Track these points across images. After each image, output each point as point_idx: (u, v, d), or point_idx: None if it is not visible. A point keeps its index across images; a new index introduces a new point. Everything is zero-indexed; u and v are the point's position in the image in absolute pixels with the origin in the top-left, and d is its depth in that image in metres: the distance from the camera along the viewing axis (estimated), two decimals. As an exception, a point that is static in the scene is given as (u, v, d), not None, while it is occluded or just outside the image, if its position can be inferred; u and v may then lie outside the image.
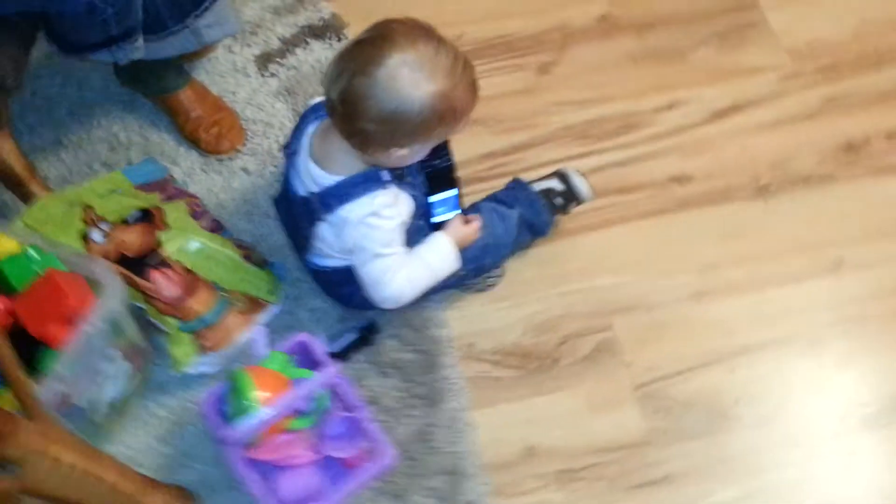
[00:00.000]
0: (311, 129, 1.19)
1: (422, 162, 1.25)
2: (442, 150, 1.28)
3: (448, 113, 1.07)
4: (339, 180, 1.15)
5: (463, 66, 1.07)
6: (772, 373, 1.36)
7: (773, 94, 1.64)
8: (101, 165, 1.55)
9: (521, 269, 1.45)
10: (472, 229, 1.27)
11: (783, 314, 1.41)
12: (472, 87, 1.10)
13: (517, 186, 1.40)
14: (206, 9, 1.40)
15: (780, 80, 1.66)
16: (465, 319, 1.42)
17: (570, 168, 1.42)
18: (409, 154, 1.12)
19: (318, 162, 1.17)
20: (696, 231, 1.49)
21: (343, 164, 1.15)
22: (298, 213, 1.22)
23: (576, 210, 1.46)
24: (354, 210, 1.15)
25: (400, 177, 1.19)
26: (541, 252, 1.46)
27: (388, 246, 1.18)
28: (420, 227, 1.29)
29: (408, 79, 1.03)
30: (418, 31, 1.06)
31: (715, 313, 1.41)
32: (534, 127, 1.61)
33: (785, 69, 1.67)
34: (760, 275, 1.44)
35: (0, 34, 1.17)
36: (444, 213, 1.28)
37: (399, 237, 1.20)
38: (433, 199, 1.29)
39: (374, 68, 1.03)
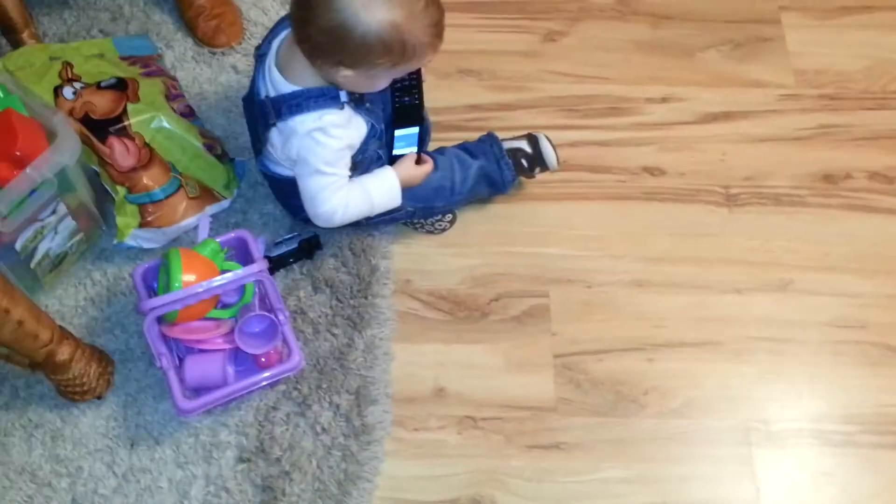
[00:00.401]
0: (282, 34, 1.20)
1: (392, 96, 1.27)
2: (414, 89, 1.29)
3: (396, 46, 1.05)
4: (295, 90, 1.16)
5: (425, 5, 1.05)
6: (688, 372, 1.37)
7: (768, 110, 1.64)
8: (99, 32, 1.58)
9: (474, 221, 1.47)
10: (422, 171, 1.29)
11: (715, 320, 1.42)
12: (432, 29, 1.07)
13: (488, 139, 1.42)
14: None
15: (780, 98, 1.65)
16: (408, 256, 1.44)
17: (543, 134, 1.43)
18: (356, 78, 1.11)
19: (280, 69, 1.18)
20: (654, 223, 1.50)
21: (302, 75, 1.16)
22: (256, 115, 1.24)
23: (541, 177, 1.47)
24: (303, 122, 1.16)
25: (358, 101, 1.20)
26: (498, 209, 1.48)
27: (330, 165, 1.19)
28: (379, 157, 1.31)
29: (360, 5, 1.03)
30: None
31: (649, 304, 1.42)
32: (525, 90, 1.62)
33: (787, 89, 1.66)
34: (705, 278, 1.45)
35: None
36: (402, 147, 1.30)
37: (343, 159, 1.21)
38: (397, 133, 1.30)
39: None
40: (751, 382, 1.37)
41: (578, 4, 1.73)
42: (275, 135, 1.21)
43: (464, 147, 1.41)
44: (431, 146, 1.46)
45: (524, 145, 1.41)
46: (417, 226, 1.43)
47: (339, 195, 1.21)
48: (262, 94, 1.21)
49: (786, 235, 1.50)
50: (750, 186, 1.55)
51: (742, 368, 1.38)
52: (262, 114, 1.21)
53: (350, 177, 1.27)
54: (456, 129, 1.54)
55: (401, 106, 1.29)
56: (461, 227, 1.47)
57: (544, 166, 1.41)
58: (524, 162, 1.41)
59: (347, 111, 1.18)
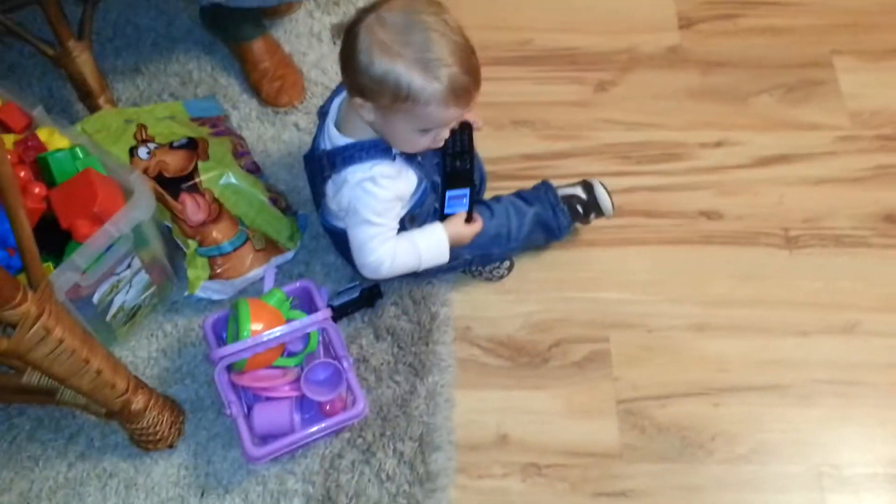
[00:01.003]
0: (342, 94, 1.25)
1: (443, 161, 1.32)
2: (466, 155, 1.34)
3: (399, 95, 1.08)
4: (349, 142, 1.21)
5: (441, 58, 1.08)
6: (755, 416, 1.35)
7: (825, 152, 1.63)
8: (169, 96, 1.66)
9: (531, 268, 1.49)
10: (471, 230, 1.32)
11: (780, 363, 1.40)
12: (449, 94, 1.09)
13: (542, 187, 1.44)
14: (288, -33, 1.49)
15: (836, 140, 1.65)
16: (467, 303, 1.46)
17: (598, 180, 1.45)
18: (376, 118, 1.15)
19: (337, 124, 1.24)
20: (714, 266, 1.50)
21: (356, 128, 1.21)
22: (315, 170, 1.29)
23: (597, 223, 1.49)
24: (355, 172, 1.20)
25: (410, 154, 1.24)
26: (555, 256, 1.50)
27: (378, 215, 1.22)
28: (436, 210, 1.34)
29: (375, 40, 1.08)
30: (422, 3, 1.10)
31: (712, 348, 1.41)
32: (578, 138, 1.65)
33: (843, 131, 1.66)
34: (768, 321, 1.44)
35: (93, -50, 1.27)
36: (454, 207, 1.33)
37: (392, 210, 1.24)
38: (449, 193, 1.33)
39: (367, 15, 1.10)
40: (820, 426, 1.34)
41: (628, 55, 1.76)
42: (330, 187, 1.26)
43: (519, 195, 1.44)
44: (487, 194, 1.49)
45: (579, 191, 1.43)
46: (476, 273, 1.45)
47: (386, 246, 1.25)
48: (321, 149, 1.26)
49: (849, 276, 1.49)
50: (810, 228, 1.54)
51: (810, 412, 1.35)
52: (320, 167, 1.26)
53: (406, 229, 1.30)
54: (511, 178, 1.57)
55: (452, 171, 1.33)
56: (519, 274, 1.48)
57: (600, 212, 1.43)
58: (579, 208, 1.43)
59: (398, 163, 1.22)
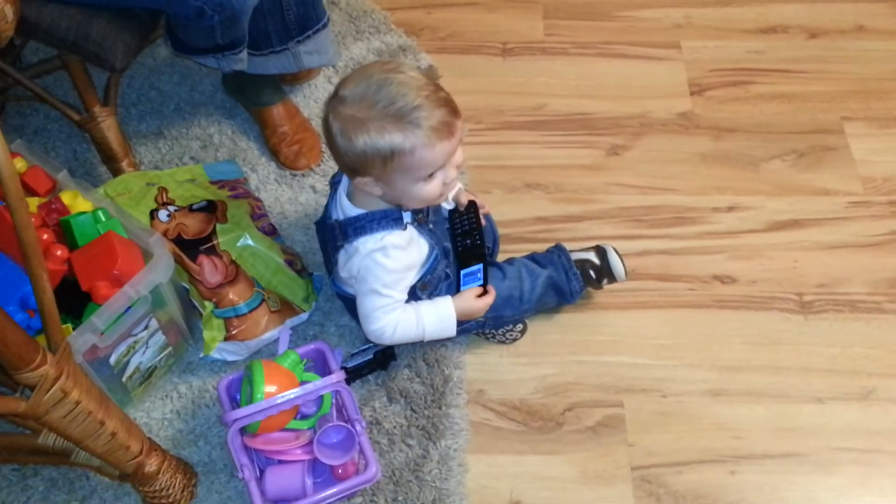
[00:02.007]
0: None
1: (454, 240, 1.35)
2: (475, 231, 1.36)
3: (386, 157, 1.11)
4: (360, 213, 1.23)
5: (417, 119, 1.10)
6: (772, 485, 1.33)
7: (837, 217, 1.64)
8: (190, 159, 1.70)
9: (545, 331, 1.49)
10: (483, 304, 1.32)
11: (797, 430, 1.38)
12: (431, 134, 1.10)
13: (556, 250, 1.45)
14: (309, 37, 1.55)
15: (849, 206, 1.66)
16: (481, 366, 1.46)
17: (611, 245, 1.46)
18: (382, 188, 1.17)
19: (348, 195, 1.26)
20: (729, 331, 1.50)
21: (367, 200, 1.23)
22: (327, 238, 1.31)
23: (611, 288, 1.49)
24: (365, 243, 1.22)
25: (423, 220, 1.25)
26: (568, 318, 1.50)
27: (386, 287, 1.24)
28: (447, 275, 1.36)
29: (343, 119, 1.12)
30: (374, 67, 1.14)
31: (728, 414, 1.40)
32: (591, 202, 1.67)
33: (856, 196, 1.67)
34: (784, 387, 1.43)
35: (122, 22, 1.32)
36: (469, 283, 1.34)
37: (401, 282, 1.25)
38: (463, 271, 1.36)
39: (331, 102, 1.15)
40: (838, 495, 1.32)
41: (640, 120, 1.79)
42: (342, 256, 1.27)
43: (532, 257, 1.45)
44: (500, 257, 1.50)
45: (592, 257, 1.44)
46: (489, 336, 1.46)
47: (391, 316, 1.26)
48: (333, 218, 1.28)
49: (865, 342, 1.48)
50: (824, 293, 1.54)
51: (828, 480, 1.34)
52: (332, 237, 1.28)
53: (419, 297, 1.32)
54: (524, 240, 1.59)
55: (464, 249, 1.36)
56: (532, 337, 1.48)
57: (612, 278, 1.44)
58: (592, 273, 1.43)
59: (409, 232, 1.24)
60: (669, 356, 1.47)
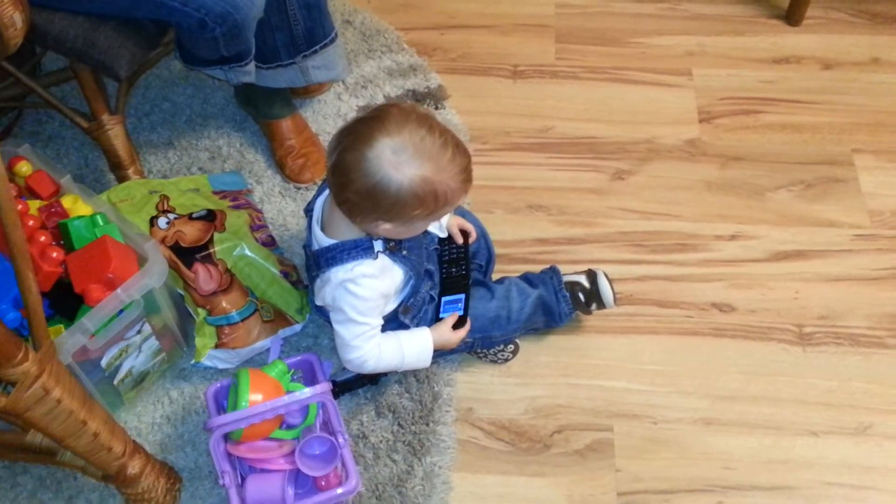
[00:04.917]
0: (324, 194, 1.26)
1: (440, 267, 1.36)
2: (461, 261, 1.37)
3: (429, 196, 1.10)
4: (332, 243, 1.22)
5: (452, 156, 1.10)
6: (760, 518, 1.31)
7: (842, 250, 1.62)
8: (198, 169, 1.72)
9: (538, 352, 1.48)
10: (457, 337, 1.33)
11: (789, 463, 1.36)
12: (461, 176, 1.12)
13: (550, 271, 1.45)
14: (317, 52, 1.57)
15: (854, 238, 1.64)
16: (471, 384, 1.45)
17: (602, 271, 1.45)
18: (394, 229, 1.16)
19: (322, 224, 1.26)
20: (724, 360, 1.48)
21: (339, 229, 1.22)
22: (309, 265, 1.33)
23: (608, 312, 1.48)
24: (337, 273, 1.21)
25: (395, 249, 1.25)
26: (562, 341, 1.49)
27: (361, 314, 1.23)
28: (432, 298, 1.36)
29: (390, 160, 1.08)
30: (411, 117, 1.10)
31: (718, 444, 1.38)
32: (593, 225, 1.66)
33: (862, 230, 1.65)
34: (778, 419, 1.41)
35: (128, 31, 1.35)
36: (449, 311, 1.35)
37: (376, 310, 1.25)
38: (445, 298, 1.36)
39: (362, 145, 1.08)
40: (827, 532, 1.29)
41: (647, 146, 1.78)
42: (317, 284, 1.28)
43: (525, 277, 1.45)
44: (495, 276, 1.50)
45: (583, 280, 1.43)
46: (481, 355, 1.46)
47: (370, 344, 1.26)
48: (311, 247, 1.28)
49: (864, 377, 1.45)
50: (825, 326, 1.52)
51: (817, 517, 1.31)
52: (309, 265, 1.30)
53: (402, 321, 1.32)
54: (523, 261, 1.59)
55: (448, 277, 1.36)
56: (525, 357, 1.48)
57: (601, 303, 1.43)
58: (581, 296, 1.43)
59: (381, 261, 1.23)
60: (663, 383, 1.45)
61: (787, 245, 1.63)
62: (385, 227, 1.16)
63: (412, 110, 1.12)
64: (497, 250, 1.53)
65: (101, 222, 1.30)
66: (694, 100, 1.86)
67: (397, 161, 1.09)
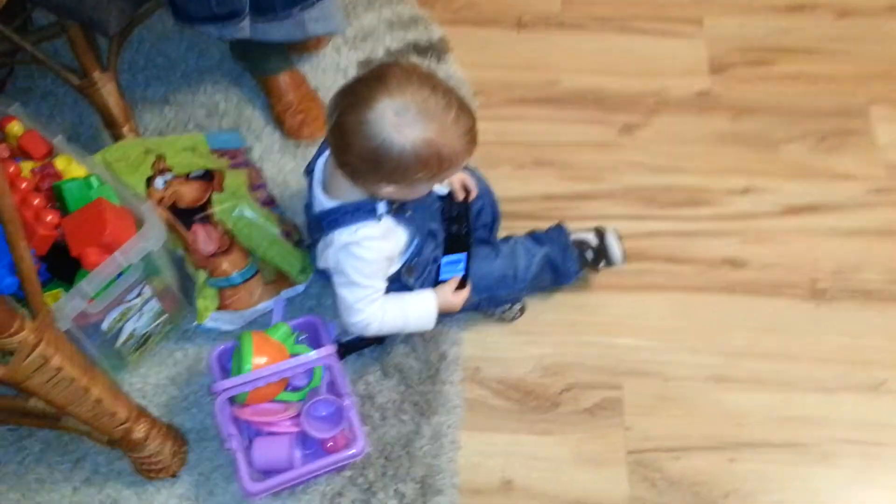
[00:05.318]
0: (325, 154, 1.23)
1: (442, 225, 1.32)
2: (463, 219, 1.34)
3: (433, 159, 1.07)
4: (334, 205, 1.19)
5: (456, 116, 1.07)
6: (772, 475, 1.29)
7: (857, 203, 1.58)
8: (195, 126, 1.68)
9: (546, 310, 1.46)
10: (459, 299, 1.30)
11: (802, 420, 1.34)
12: (465, 137, 1.09)
13: (557, 229, 1.42)
14: (314, 4, 1.51)
15: (869, 191, 1.60)
16: (479, 343, 1.43)
17: (611, 228, 1.41)
18: (398, 191, 1.13)
19: (323, 186, 1.22)
20: (736, 317, 1.45)
21: (341, 190, 1.19)
22: (311, 227, 1.30)
23: (617, 269, 1.45)
24: (340, 235, 1.18)
25: (399, 210, 1.22)
26: (570, 298, 1.46)
27: (366, 277, 1.20)
28: (435, 259, 1.33)
29: (391, 122, 1.04)
30: (413, 77, 1.06)
31: (730, 401, 1.36)
32: (601, 180, 1.62)
33: (877, 182, 1.61)
34: (790, 375, 1.39)
35: (117, -15, 1.30)
36: (450, 273, 1.32)
37: (380, 272, 1.22)
38: (445, 258, 1.33)
39: (363, 107, 1.05)
40: (840, 488, 1.28)
41: (656, 98, 1.73)
42: (320, 247, 1.25)
43: (532, 235, 1.42)
44: (501, 233, 1.47)
45: (591, 238, 1.40)
46: (489, 313, 1.43)
47: (374, 307, 1.23)
48: (311, 210, 1.25)
49: (878, 333, 1.43)
50: (839, 280, 1.49)
51: (831, 472, 1.30)
52: (310, 229, 1.27)
53: (405, 282, 1.29)
54: (530, 217, 1.55)
55: (449, 235, 1.33)
56: (533, 315, 1.45)
57: (609, 261, 1.40)
58: (589, 254, 1.40)
59: (385, 223, 1.20)
60: (673, 340, 1.43)
61: (801, 199, 1.59)
62: (388, 190, 1.13)
63: (414, 69, 1.09)
64: (503, 207, 1.49)
65: (95, 184, 1.27)
66: (705, 50, 1.81)
67: (399, 123, 1.05)
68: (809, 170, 1.63)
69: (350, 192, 1.19)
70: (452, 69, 1.77)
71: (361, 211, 1.19)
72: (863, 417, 1.34)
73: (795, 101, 1.73)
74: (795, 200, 1.59)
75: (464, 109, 1.09)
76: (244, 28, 1.46)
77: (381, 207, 1.20)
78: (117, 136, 1.53)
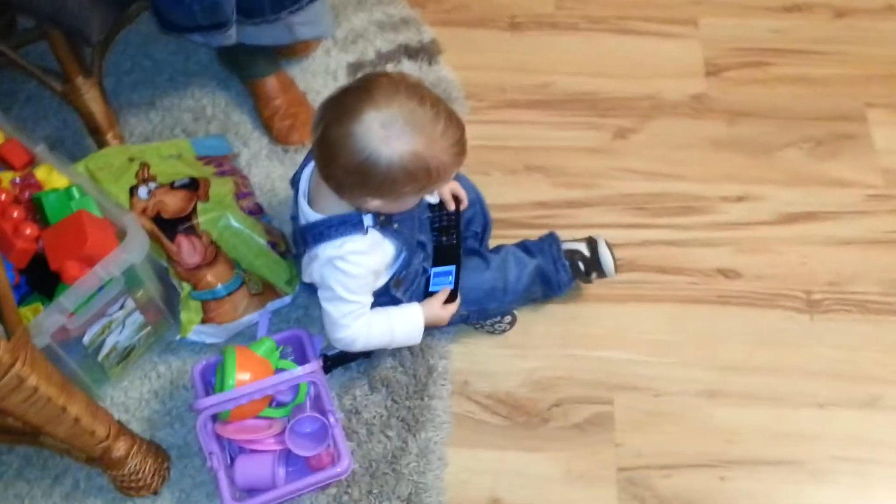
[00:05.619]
0: (310, 165, 1.20)
1: (432, 236, 1.30)
2: (452, 230, 1.31)
3: (421, 172, 1.05)
4: (319, 219, 1.16)
5: (444, 128, 1.04)
6: (764, 493, 1.27)
7: (854, 211, 1.56)
8: (182, 132, 1.65)
9: (536, 322, 1.43)
10: (448, 312, 1.28)
11: (795, 436, 1.32)
12: (454, 149, 1.07)
13: (549, 239, 1.39)
14: (302, 8, 1.48)
15: (867, 199, 1.57)
16: (467, 356, 1.41)
17: (603, 239, 1.39)
18: (385, 205, 1.11)
19: (308, 198, 1.19)
20: (728, 329, 1.43)
21: (327, 203, 1.16)
22: (296, 240, 1.27)
23: (609, 279, 1.42)
24: (325, 250, 1.16)
25: (385, 223, 1.19)
26: (561, 310, 1.44)
27: (351, 292, 1.18)
28: (424, 270, 1.31)
29: (378, 134, 1.02)
30: (400, 88, 1.04)
31: (722, 417, 1.34)
32: (593, 187, 1.60)
33: (875, 189, 1.58)
34: (783, 390, 1.36)
35: (98, -6, 1.27)
36: (440, 284, 1.29)
37: (365, 287, 1.20)
38: (434, 269, 1.31)
39: (349, 120, 1.02)
40: (831, 507, 1.26)
41: (650, 102, 1.71)
42: (305, 261, 1.22)
43: (523, 245, 1.39)
44: (492, 243, 1.45)
45: (582, 248, 1.38)
46: (477, 326, 1.41)
47: (360, 322, 1.21)
48: (298, 221, 1.22)
49: (874, 346, 1.40)
50: (834, 292, 1.46)
51: (824, 491, 1.28)
52: (296, 240, 1.25)
53: (393, 295, 1.27)
54: (521, 226, 1.53)
55: (438, 245, 1.30)
56: (523, 328, 1.43)
57: (601, 272, 1.37)
58: (581, 265, 1.37)
59: (371, 236, 1.17)
60: (665, 353, 1.41)
61: (796, 206, 1.56)
62: (374, 204, 1.10)
63: (402, 80, 1.06)
64: (494, 214, 1.47)
65: (76, 195, 1.24)
66: (700, 51, 1.78)
67: (386, 136, 1.03)
68: (805, 176, 1.60)
69: (336, 205, 1.16)
70: (444, 71, 1.75)
71: (347, 224, 1.16)
72: (857, 434, 1.32)
73: (791, 104, 1.70)
74: (791, 208, 1.56)
75: (452, 120, 1.07)
76: (231, 36, 1.43)
77: (368, 220, 1.17)
78: (101, 143, 1.50)
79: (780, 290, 1.47)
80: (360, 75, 1.12)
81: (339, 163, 1.05)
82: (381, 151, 1.03)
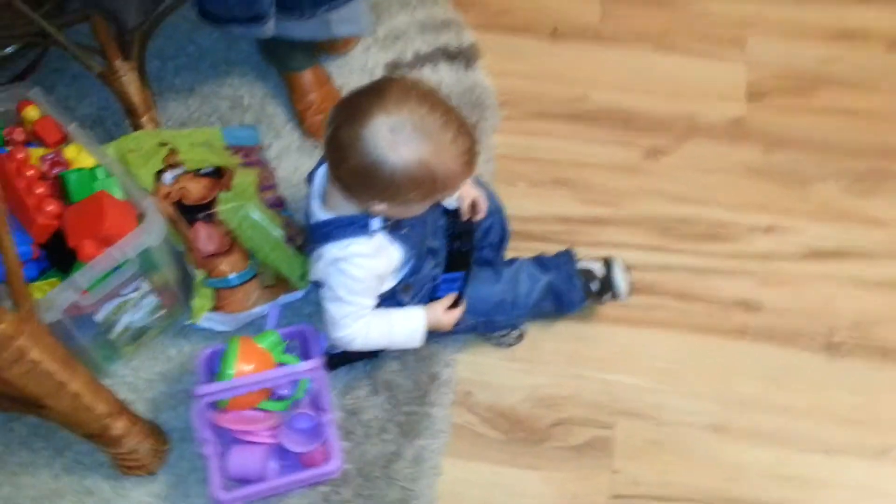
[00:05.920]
0: (325, 165, 1.20)
1: (447, 239, 1.29)
2: (465, 235, 1.30)
3: (426, 179, 1.05)
4: (327, 218, 1.17)
5: (454, 137, 1.04)
6: (759, 535, 1.25)
7: (886, 252, 1.51)
8: (218, 119, 1.67)
9: (546, 339, 1.42)
10: (451, 318, 1.27)
11: (798, 480, 1.29)
12: (462, 158, 1.06)
13: (565, 255, 1.38)
14: (340, 5, 1.49)
15: (901, 240, 1.52)
16: (473, 367, 1.40)
17: (620, 260, 1.37)
18: (390, 209, 1.11)
19: (320, 197, 1.20)
20: (743, 363, 1.40)
21: (337, 203, 1.16)
22: (306, 237, 1.28)
23: (624, 301, 1.40)
24: (330, 250, 1.16)
25: (394, 226, 1.18)
26: (572, 328, 1.42)
27: (354, 294, 1.18)
28: (434, 277, 1.30)
29: (386, 139, 1.02)
30: (411, 94, 1.03)
31: (726, 453, 1.31)
32: (619, 206, 1.57)
33: (911, 231, 1.53)
34: (793, 432, 1.33)
35: (136, -19, 1.29)
36: (447, 290, 1.29)
37: (368, 290, 1.20)
38: (444, 276, 1.30)
39: (358, 123, 1.03)
40: (830, 558, 1.22)
41: (686, 122, 1.67)
42: (312, 258, 1.23)
43: (538, 260, 1.38)
44: (508, 254, 1.43)
45: (598, 268, 1.36)
46: (485, 337, 1.40)
47: (359, 323, 1.21)
48: (308, 219, 1.23)
49: (892, 395, 1.36)
50: (857, 335, 1.42)
51: (822, 540, 1.24)
52: (306, 238, 1.25)
53: (401, 300, 1.27)
54: (540, 239, 1.51)
55: (451, 251, 1.30)
56: (532, 343, 1.42)
57: (614, 294, 1.35)
58: (594, 285, 1.35)
59: (378, 239, 1.17)
60: (674, 382, 1.38)
61: (827, 242, 1.52)
62: (380, 207, 1.10)
63: (414, 86, 1.06)
64: (515, 226, 1.46)
65: (100, 176, 1.27)
66: (744, 74, 1.73)
67: (394, 141, 1.02)
68: (839, 212, 1.55)
69: (345, 206, 1.17)
70: (480, 77, 1.73)
71: (354, 226, 1.16)
72: (864, 484, 1.28)
73: (833, 136, 1.65)
74: (820, 244, 1.52)
75: (463, 129, 1.06)
76: (268, 29, 1.44)
77: (376, 223, 1.17)
78: (136, 126, 1.53)
79: (801, 329, 1.43)
80: (372, 80, 1.12)
81: (346, 165, 1.06)
82: (387, 156, 1.03)
